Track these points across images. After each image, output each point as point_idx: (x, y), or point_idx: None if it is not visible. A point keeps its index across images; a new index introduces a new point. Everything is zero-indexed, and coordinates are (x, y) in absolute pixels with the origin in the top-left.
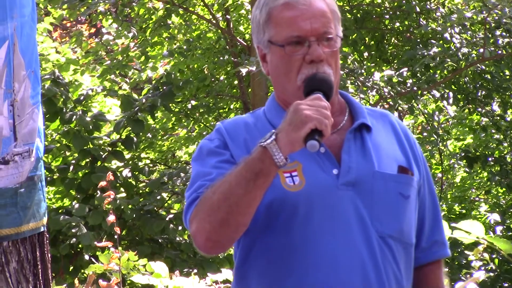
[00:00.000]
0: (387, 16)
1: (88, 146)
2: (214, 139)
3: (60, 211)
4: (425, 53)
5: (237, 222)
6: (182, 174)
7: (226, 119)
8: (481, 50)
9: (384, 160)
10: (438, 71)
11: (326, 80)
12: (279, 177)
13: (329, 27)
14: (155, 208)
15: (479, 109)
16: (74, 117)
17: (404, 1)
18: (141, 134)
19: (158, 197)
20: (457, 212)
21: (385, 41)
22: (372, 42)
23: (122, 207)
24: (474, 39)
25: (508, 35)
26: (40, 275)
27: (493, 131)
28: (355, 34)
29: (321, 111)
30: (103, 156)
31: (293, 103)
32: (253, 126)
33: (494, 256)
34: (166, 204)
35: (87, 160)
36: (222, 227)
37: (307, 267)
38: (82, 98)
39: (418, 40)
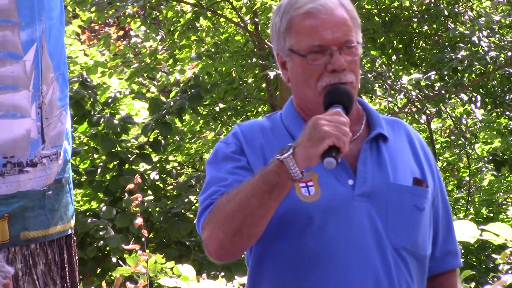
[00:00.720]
0: (415, 20)
1: (116, 149)
2: (231, 144)
3: (87, 213)
4: (453, 57)
5: (250, 233)
6: None
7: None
8: (509, 53)
9: (399, 171)
10: (466, 75)
11: (348, 93)
12: (294, 187)
13: (350, 35)
14: (183, 210)
15: (507, 113)
16: (102, 119)
17: (432, 5)
18: (169, 137)
19: (186, 200)
20: (485, 216)
21: (413, 45)
22: (400, 46)
23: (150, 209)
24: (502, 43)
25: None
26: (67, 277)
27: None
28: (383, 38)
29: (340, 128)
30: (130, 159)
31: (312, 118)
32: (270, 131)
33: None
34: (193, 207)
35: (115, 162)
36: (235, 236)
37: (321, 277)
38: (110, 100)
39: (446, 43)
